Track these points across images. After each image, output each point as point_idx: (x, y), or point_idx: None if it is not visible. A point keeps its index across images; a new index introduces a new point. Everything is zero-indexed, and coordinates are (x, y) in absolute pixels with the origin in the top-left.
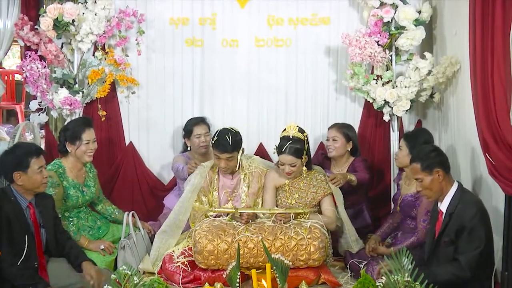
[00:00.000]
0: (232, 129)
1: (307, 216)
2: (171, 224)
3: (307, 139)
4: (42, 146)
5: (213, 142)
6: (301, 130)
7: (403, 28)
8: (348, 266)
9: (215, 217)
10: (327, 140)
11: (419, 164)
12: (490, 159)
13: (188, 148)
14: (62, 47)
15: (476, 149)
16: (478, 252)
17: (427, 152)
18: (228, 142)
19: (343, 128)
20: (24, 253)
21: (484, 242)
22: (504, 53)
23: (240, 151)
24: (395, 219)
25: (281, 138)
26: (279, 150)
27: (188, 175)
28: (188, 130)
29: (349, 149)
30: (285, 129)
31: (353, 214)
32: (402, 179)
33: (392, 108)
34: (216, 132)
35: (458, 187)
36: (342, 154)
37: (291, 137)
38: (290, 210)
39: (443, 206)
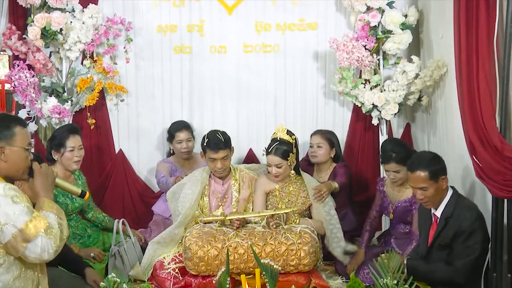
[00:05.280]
0: (218, 130)
1: (298, 221)
2: (166, 237)
3: (295, 143)
4: None
5: (205, 144)
6: (289, 133)
7: (390, 32)
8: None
9: (205, 223)
10: (310, 146)
11: (426, 172)
12: (477, 161)
13: (171, 152)
14: (50, 56)
15: (464, 152)
16: (475, 257)
17: (429, 159)
18: (221, 139)
19: (327, 134)
20: None
21: (480, 248)
22: (488, 56)
23: (232, 150)
24: (373, 225)
25: (270, 140)
26: (267, 151)
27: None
28: (170, 135)
29: (332, 156)
30: (274, 132)
31: (339, 218)
32: (385, 186)
33: (380, 112)
34: (205, 136)
35: (453, 192)
36: (325, 161)
37: (278, 139)
38: (279, 211)
39: (438, 211)
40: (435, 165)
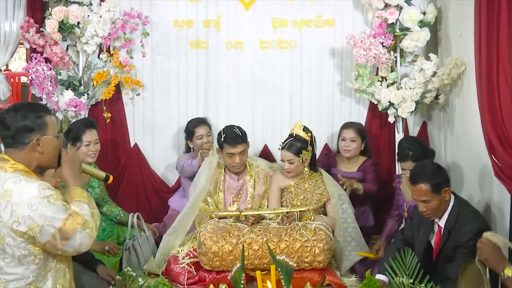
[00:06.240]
0: (234, 125)
1: (312, 217)
2: (176, 226)
3: (311, 140)
4: None
5: (222, 140)
6: (306, 130)
7: (407, 29)
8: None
9: (220, 218)
10: (342, 140)
11: (428, 185)
12: (496, 161)
13: (191, 150)
14: (67, 49)
15: (481, 151)
16: None
17: (432, 171)
18: (238, 133)
19: (360, 127)
20: None
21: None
22: (509, 54)
23: (248, 145)
24: (395, 223)
25: (288, 135)
26: (282, 146)
27: (199, 167)
28: (189, 132)
29: (361, 149)
30: (292, 128)
31: (357, 214)
32: (401, 184)
33: (397, 109)
34: (221, 131)
35: (454, 201)
36: (356, 155)
37: (294, 135)
38: (294, 208)
39: (442, 221)
40: (437, 178)
